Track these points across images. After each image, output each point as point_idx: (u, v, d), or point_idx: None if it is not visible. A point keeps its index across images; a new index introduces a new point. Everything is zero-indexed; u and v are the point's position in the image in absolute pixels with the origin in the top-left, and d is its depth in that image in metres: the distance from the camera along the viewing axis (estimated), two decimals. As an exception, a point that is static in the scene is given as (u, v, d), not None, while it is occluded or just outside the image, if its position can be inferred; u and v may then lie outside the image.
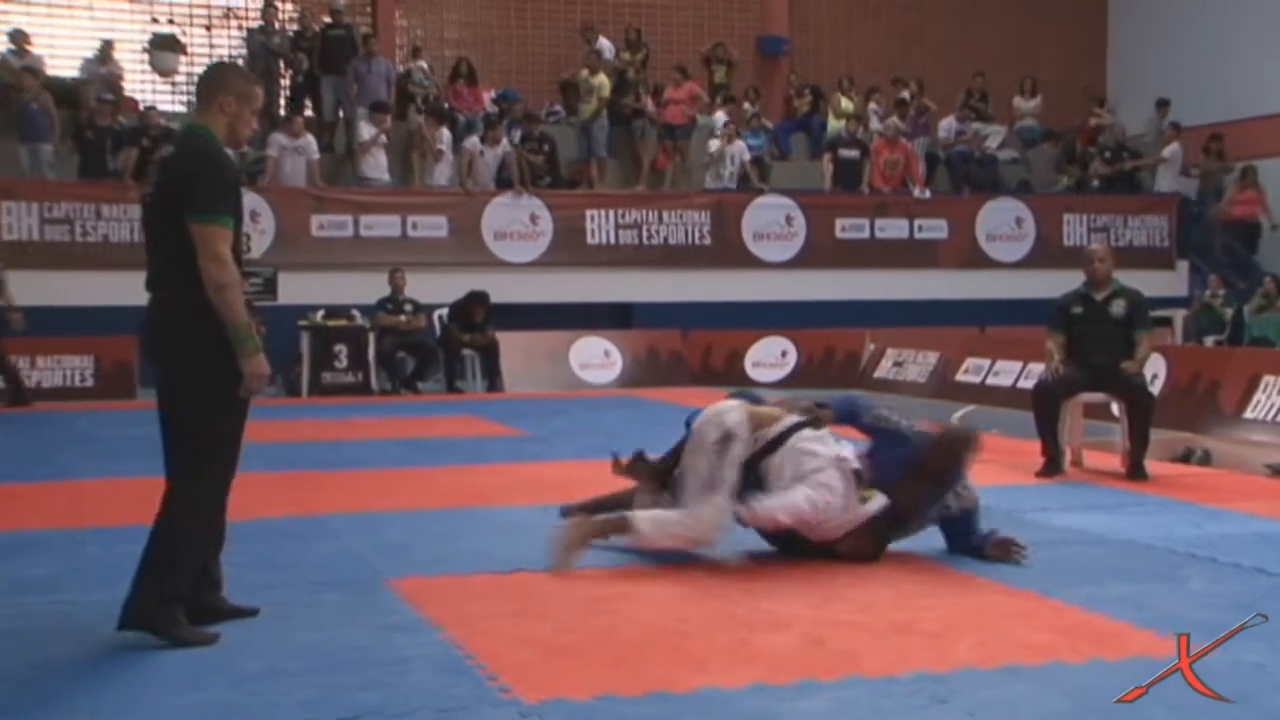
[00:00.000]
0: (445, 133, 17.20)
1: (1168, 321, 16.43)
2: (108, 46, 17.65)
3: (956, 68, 20.78)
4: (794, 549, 5.76)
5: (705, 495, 5.60)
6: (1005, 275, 18.30)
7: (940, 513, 5.84)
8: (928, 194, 18.60)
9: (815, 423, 5.80)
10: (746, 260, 17.65)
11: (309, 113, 17.60)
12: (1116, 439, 8.90)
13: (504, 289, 15.78)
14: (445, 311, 15.51)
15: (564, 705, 3.88)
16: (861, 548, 5.69)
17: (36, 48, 17.39)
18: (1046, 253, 18.35)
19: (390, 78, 17.73)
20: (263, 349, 4.59)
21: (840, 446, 5.77)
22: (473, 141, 17.10)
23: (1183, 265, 19.24)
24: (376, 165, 16.71)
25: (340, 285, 15.58)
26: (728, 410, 5.80)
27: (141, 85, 18.48)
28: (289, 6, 18.99)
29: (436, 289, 15.54)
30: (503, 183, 16.99)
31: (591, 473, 8.64)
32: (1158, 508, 7.29)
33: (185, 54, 18.41)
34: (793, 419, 5.80)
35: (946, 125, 19.70)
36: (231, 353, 4.49)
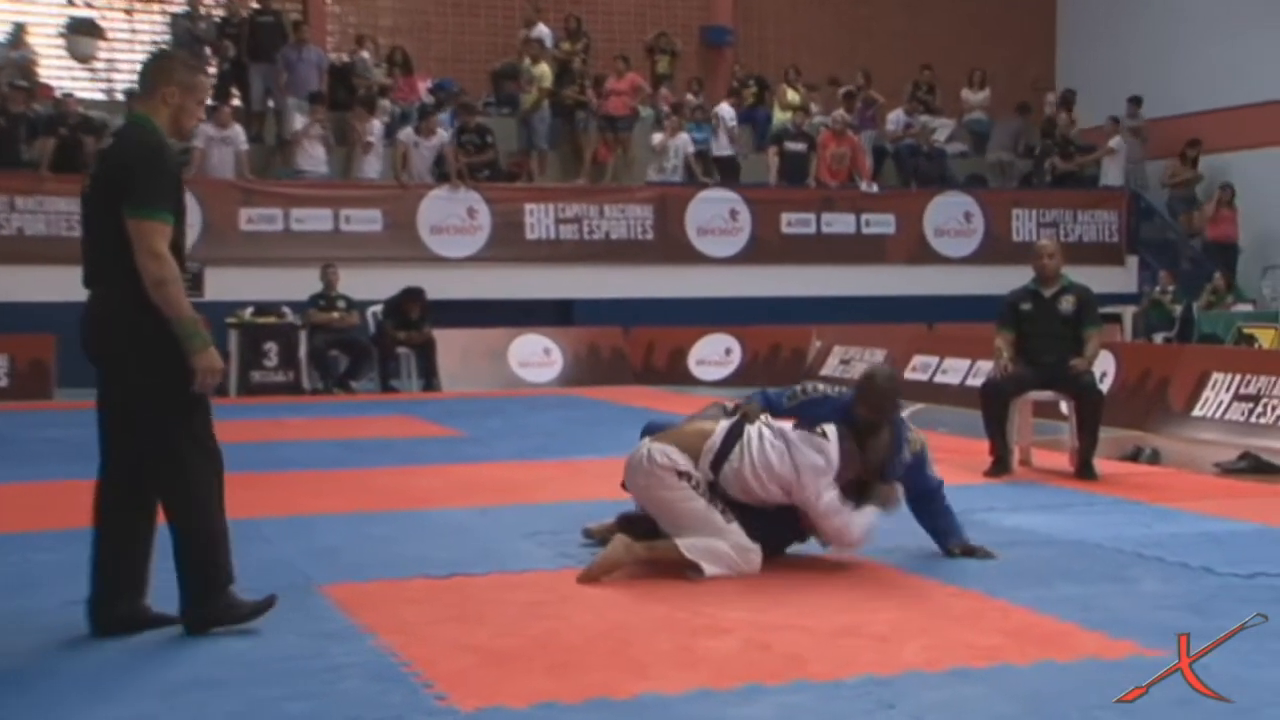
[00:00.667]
0: (376, 124, 17.10)
1: (1117, 318, 16.61)
2: (21, 30, 17.35)
3: (904, 59, 20.92)
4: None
5: (720, 531, 5.52)
6: (953, 271, 18.46)
7: (902, 469, 5.87)
8: (875, 188, 18.72)
9: (746, 418, 5.82)
10: (690, 256, 17.68)
11: (237, 102, 17.44)
12: (1065, 438, 9.00)
13: (440, 285, 15.71)
14: (380, 308, 15.42)
15: (502, 713, 3.87)
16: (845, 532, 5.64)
17: (-56, 31, 17.12)
18: (995, 248, 18.51)
19: (323, 66, 17.61)
20: (212, 343, 4.56)
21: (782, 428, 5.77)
22: (407, 133, 17.01)
23: (1132, 261, 19.46)
24: (312, 157, 16.59)
25: (270, 281, 15.45)
26: (655, 453, 5.65)
27: (58, 71, 18.17)
28: (215, -9, 18.83)
29: (370, 285, 15.45)
30: (439, 176, 16.93)
31: (531, 474, 8.65)
32: (1106, 507, 7.38)
33: (104, 40, 18.16)
34: (725, 423, 5.79)
35: (894, 118, 19.83)
36: (179, 350, 4.46)
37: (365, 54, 18.22)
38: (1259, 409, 10.41)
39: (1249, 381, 10.64)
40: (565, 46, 18.89)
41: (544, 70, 18.09)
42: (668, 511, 5.64)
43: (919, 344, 15.00)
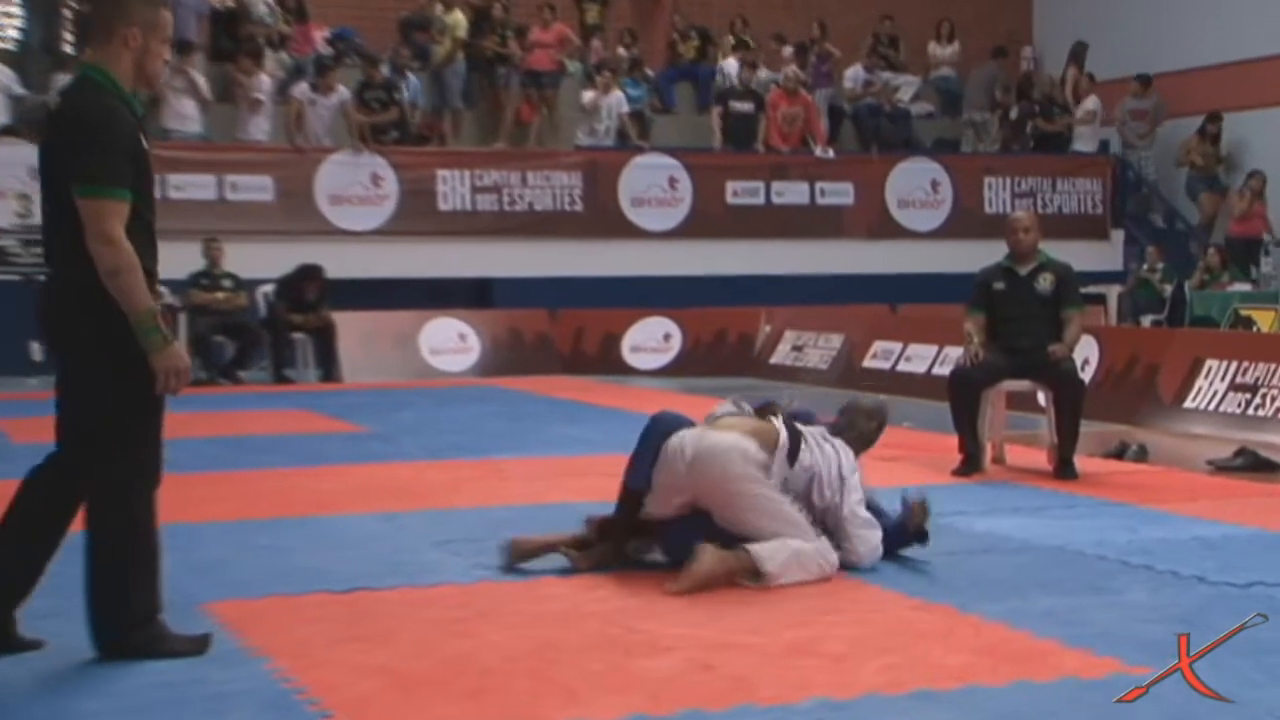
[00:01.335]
0: (265, 79, 16.94)
1: (1100, 299, 16.80)
2: None
3: (863, 9, 21.03)
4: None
5: (807, 532, 5.76)
6: (919, 246, 18.59)
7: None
8: (831, 153, 18.81)
9: (794, 418, 6.12)
10: (624, 229, 17.69)
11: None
12: (1043, 432, 9.08)
13: (341, 262, 15.63)
14: (271, 288, 15.35)
15: (411, 745, 3.88)
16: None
17: None
18: (965, 221, 18.66)
19: (203, 12, 17.42)
20: (174, 339, 4.55)
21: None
22: (302, 89, 16.89)
23: (1118, 235, 19.70)
24: (180, 115, 16.34)
25: (144, 257, 15.26)
26: (741, 446, 5.79)
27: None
28: (75, -73, 18.57)
29: (261, 261, 15.34)
30: (339, 137, 16.81)
31: (444, 475, 8.63)
32: (1089, 510, 7.46)
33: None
34: (778, 421, 6.01)
35: (853, 75, 19.91)
36: (139, 345, 4.42)
37: (264, -1, 18.04)
38: (1257, 400, 10.56)
39: (1246, 369, 10.79)
40: (484, -9, 18.82)
41: (458, 19, 18.02)
42: (749, 510, 5.73)
43: (880, 328, 15.10)
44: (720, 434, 5.85)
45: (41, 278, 4.73)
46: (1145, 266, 17.98)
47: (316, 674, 4.46)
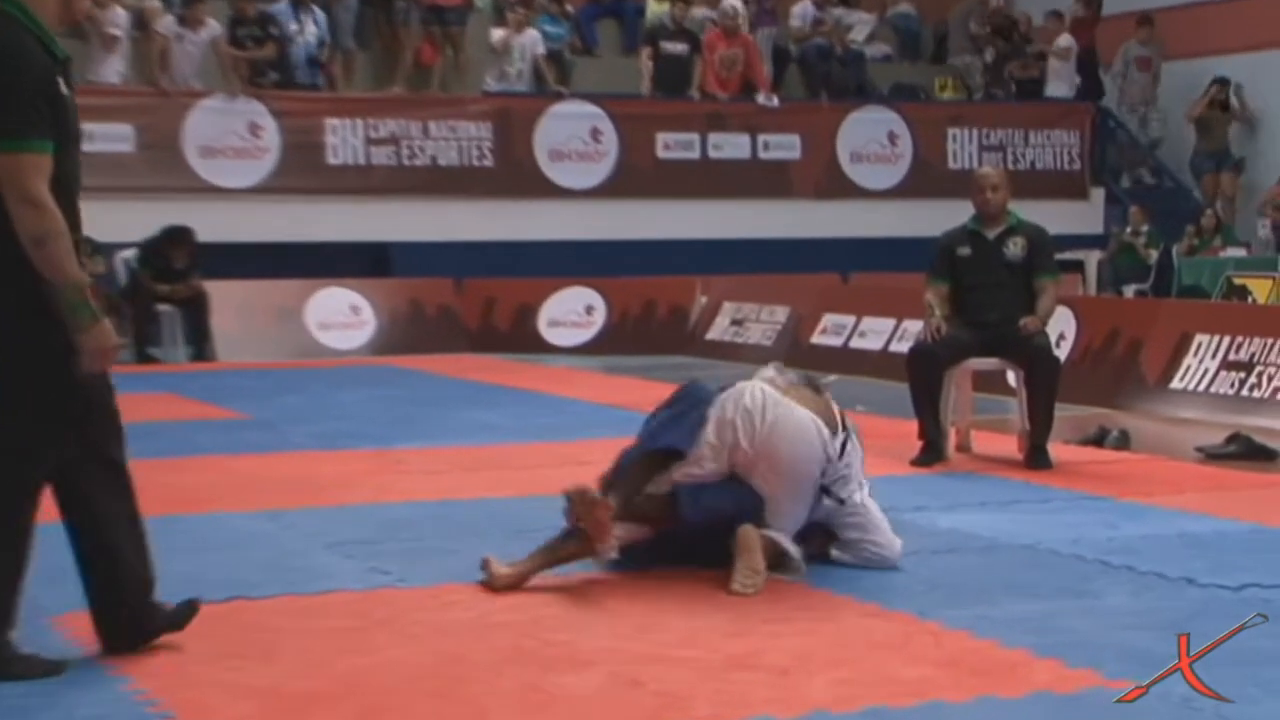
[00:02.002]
0: (121, 11, 16.73)
1: (1078, 265, 16.94)
2: None
3: (812, -64, 21.06)
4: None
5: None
6: (874, 207, 18.69)
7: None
8: (775, 101, 18.83)
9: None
10: (540, 187, 17.67)
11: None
12: (1013, 416, 9.16)
13: (214, 224, 15.52)
14: (133, 254, 15.27)
15: (296, 775, 3.87)
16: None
17: None
18: (926, 178, 18.77)
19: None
20: (103, 317, 4.52)
21: None
22: (167, 23, 16.73)
23: (1098, 194, 19.85)
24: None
25: (-13, 218, 15.12)
26: (820, 430, 5.91)
27: None
28: None
29: (120, 223, 15.16)
30: (210, 79, 16.68)
31: (335, 468, 8.59)
32: (1064, 504, 7.52)
33: None
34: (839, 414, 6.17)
35: (800, 12, 19.92)
36: (60, 319, 4.40)
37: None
38: (1252, 379, 10.66)
39: (1240, 345, 10.89)
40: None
41: (349, -56, 17.91)
42: (793, 497, 5.85)
43: (830, 299, 15.16)
44: (802, 409, 5.96)
45: None
46: (1128, 229, 18.06)
47: (185, 695, 4.44)
